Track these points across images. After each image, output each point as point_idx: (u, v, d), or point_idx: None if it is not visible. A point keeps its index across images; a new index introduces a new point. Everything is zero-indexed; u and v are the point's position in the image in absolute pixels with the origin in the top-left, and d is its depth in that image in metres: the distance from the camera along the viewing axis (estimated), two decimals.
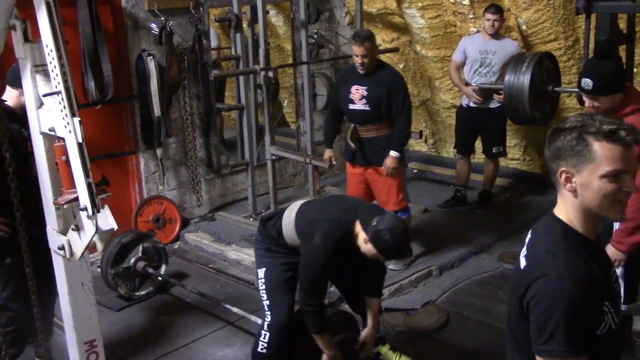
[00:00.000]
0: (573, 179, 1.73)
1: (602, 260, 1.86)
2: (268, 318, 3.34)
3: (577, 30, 5.63)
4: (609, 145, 1.67)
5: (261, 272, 3.42)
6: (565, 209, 1.79)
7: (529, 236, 1.88)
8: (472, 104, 5.75)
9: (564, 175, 1.75)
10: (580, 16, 4.95)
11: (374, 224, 3.01)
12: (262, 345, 3.34)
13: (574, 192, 1.74)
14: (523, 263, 1.81)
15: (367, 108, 4.61)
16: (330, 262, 3.17)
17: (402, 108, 4.59)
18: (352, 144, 4.71)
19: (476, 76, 5.66)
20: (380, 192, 4.80)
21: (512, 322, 1.87)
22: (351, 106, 4.67)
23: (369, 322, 3.53)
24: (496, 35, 5.55)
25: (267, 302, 3.36)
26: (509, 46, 5.55)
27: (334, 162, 4.90)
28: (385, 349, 3.76)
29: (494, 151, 5.85)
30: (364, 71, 4.58)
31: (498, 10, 5.48)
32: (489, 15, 5.48)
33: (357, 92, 4.62)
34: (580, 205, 1.75)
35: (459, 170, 6.08)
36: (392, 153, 4.61)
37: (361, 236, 3.09)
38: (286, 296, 3.36)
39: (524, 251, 1.84)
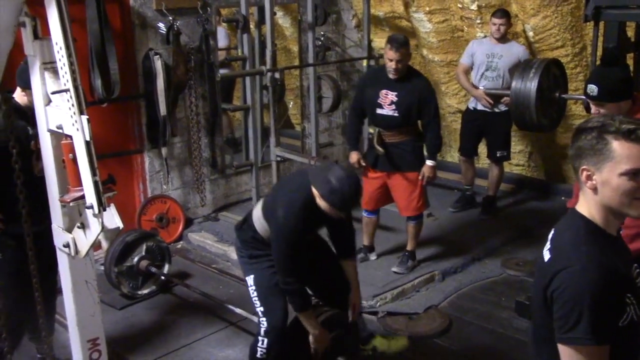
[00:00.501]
0: (594, 177, 1.78)
1: (625, 254, 1.92)
2: (264, 324, 3.34)
3: (584, 37, 5.62)
4: (627, 144, 1.73)
5: (250, 280, 3.44)
6: (587, 206, 1.85)
7: (552, 232, 1.94)
8: (479, 107, 5.77)
9: (585, 173, 1.80)
10: (588, 23, 4.95)
11: (323, 178, 3.04)
12: (261, 351, 3.35)
13: (595, 189, 1.79)
14: (547, 256, 1.87)
15: (396, 114, 4.55)
16: (299, 233, 3.18)
17: (434, 116, 4.57)
18: (379, 149, 4.65)
19: (483, 80, 5.69)
20: (401, 197, 4.78)
21: (535, 315, 1.93)
22: (379, 110, 4.62)
23: (352, 285, 3.53)
24: (503, 39, 5.59)
25: (261, 309, 3.36)
26: (516, 50, 5.58)
27: (363, 164, 4.77)
28: (378, 341, 3.83)
29: (498, 155, 5.86)
30: (396, 77, 4.52)
31: (504, 14, 5.52)
32: (495, 20, 5.53)
33: (387, 97, 4.57)
34: (601, 202, 1.80)
35: (464, 172, 6.16)
36: (429, 162, 4.61)
37: (317, 195, 3.09)
38: (278, 300, 3.35)
39: (547, 245, 1.90)
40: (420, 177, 4.64)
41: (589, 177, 1.79)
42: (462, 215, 6.05)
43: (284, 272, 3.22)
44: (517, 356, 3.89)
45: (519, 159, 6.72)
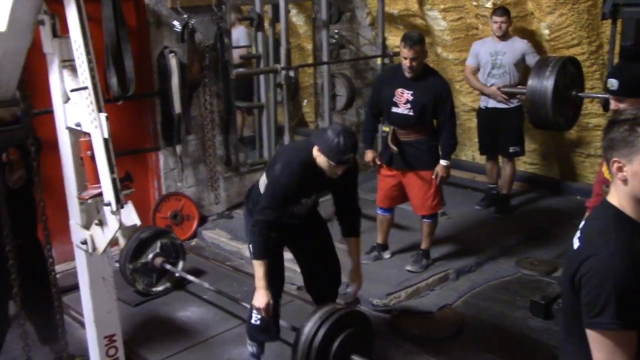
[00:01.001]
0: (624, 169, 1.81)
1: None
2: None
3: (601, 35, 5.57)
4: None
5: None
6: (617, 196, 1.88)
7: (582, 222, 1.99)
8: (490, 105, 5.81)
9: (616, 165, 1.83)
10: (605, 21, 4.91)
11: (323, 134, 3.21)
12: (255, 317, 3.55)
13: (625, 181, 1.83)
14: (576, 244, 1.91)
15: (411, 113, 4.54)
16: (292, 187, 3.28)
17: (450, 116, 4.55)
18: (394, 148, 4.64)
19: (490, 78, 5.76)
20: (416, 196, 4.77)
21: (564, 302, 1.98)
22: (394, 109, 4.61)
23: (352, 262, 3.66)
24: (504, 36, 5.66)
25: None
26: (519, 45, 5.66)
27: (378, 162, 4.79)
28: None
29: (510, 150, 5.87)
30: (412, 75, 4.50)
31: (505, 12, 5.59)
32: (496, 18, 5.59)
33: (402, 96, 4.56)
34: (631, 193, 1.83)
35: (488, 171, 6.21)
36: (443, 162, 4.59)
37: (315, 151, 3.23)
38: (274, 275, 3.45)
39: (577, 234, 1.94)
40: (433, 177, 4.63)
41: (619, 169, 1.82)
42: (477, 214, 6.03)
43: (258, 212, 3.32)
44: (532, 356, 3.87)
45: (533, 157, 6.68)
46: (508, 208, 6.05)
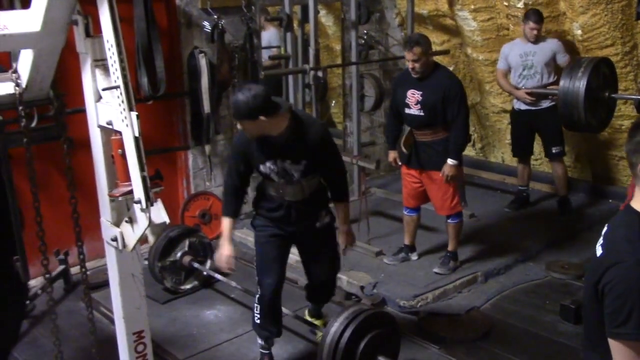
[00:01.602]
0: None
1: None
2: (258, 292, 3.71)
3: (635, 35, 5.47)
4: None
5: (257, 251, 3.82)
6: None
7: (605, 228, 1.93)
8: (522, 107, 5.77)
9: None
10: (639, 21, 4.82)
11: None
12: (256, 316, 3.73)
13: None
14: (599, 251, 1.86)
15: (422, 113, 4.55)
16: (239, 150, 3.56)
17: (458, 114, 4.51)
18: (404, 150, 4.66)
19: (522, 80, 5.73)
20: (435, 197, 4.77)
21: (586, 310, 1.95)
22: (407, 110, 4.62)
23: (340, 227, 3.81)
24: (537, 41, 5.62)
25: (257, 278, 3.75)
26: (549, 45, 5.63)
27: (399, 163, 4.83)
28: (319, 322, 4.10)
29: (553, 151, 5.82)
30: (417, 76, 4.53)
31: (541, 18, 5.53)
32: (532, 25, 5.52)
33: (413, 97, 4.57)
34: None
35: (520, 172, 6.14)
36: (450, 161, 4.56)
37: None
38: (270, 273, 3.67)
39: (600, 241, 1.90)
40: (440, 175, 4.60)
41: None
42: (506, 216, 5.97)
43: (227, 174, 3.72)
44: None
45: (566, 160, 6.58)
46: (570, 209, 5.99)
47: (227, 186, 3.73)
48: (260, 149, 3.45)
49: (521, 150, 6.03)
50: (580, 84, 4.24)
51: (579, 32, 5.63)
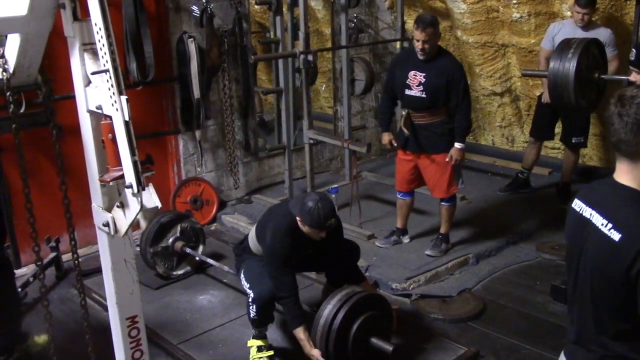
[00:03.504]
0: None
1: None
2: (251, 295, 3.67)
3: (623, 17, 5.47)
4: None
5: (241, 274, 3.85)
6: (633, 177, 1.83)
7: (594, 210, 1.91)
8: None
9: None
10: (628, 2, 4.81)
11: (301, 204, 3.51)
12: (253, 313, 3.68)
13: None
14: (616, 236, 1.79)
15: (424, 95, 4.52)
16: (288, 255, 3.57)
17: (463, 99, 4.51)
18: (405, 131, 4.63)
19: None
20: (431, 179, 4.76)
21: (597, 297, 1.88)
22: (407, 92, 4.59)
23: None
24: (587, 27, 5.25)
25: (247, 285, 3.74)
26: (603, 33, 5.15)
27: (395, 144, 4.77)
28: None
29: (573, 141, 5.71)
30: (424, 57, 4.48)
31: (588, 3, 5.12)
32: (578, 9, 5.17)
33: (415, 78, 4.53)
34: None
35: (527, 154, 6.06)
36: (457, 145, 4.56)
37: (298, 221, 3.53)
38: (265, 277, 3.66)
39: (606, 224, 1.84)
40: (447, 159, 4.60)
41: None
42: (497, 199, 5.99)
43: (276, 288, 3.59)
44: (552, 340, 3.85)
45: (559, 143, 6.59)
46: (570, 195, 5.95)
47: (287, 292, 3.62)
48: (299, 245, 3.67)
49: (540, 132, 5.88)
50: (570, 65, 4.23)
51: (569, 14, 5.62)
